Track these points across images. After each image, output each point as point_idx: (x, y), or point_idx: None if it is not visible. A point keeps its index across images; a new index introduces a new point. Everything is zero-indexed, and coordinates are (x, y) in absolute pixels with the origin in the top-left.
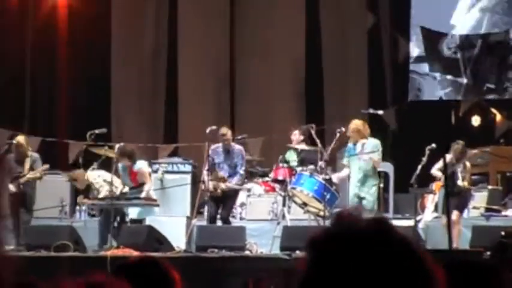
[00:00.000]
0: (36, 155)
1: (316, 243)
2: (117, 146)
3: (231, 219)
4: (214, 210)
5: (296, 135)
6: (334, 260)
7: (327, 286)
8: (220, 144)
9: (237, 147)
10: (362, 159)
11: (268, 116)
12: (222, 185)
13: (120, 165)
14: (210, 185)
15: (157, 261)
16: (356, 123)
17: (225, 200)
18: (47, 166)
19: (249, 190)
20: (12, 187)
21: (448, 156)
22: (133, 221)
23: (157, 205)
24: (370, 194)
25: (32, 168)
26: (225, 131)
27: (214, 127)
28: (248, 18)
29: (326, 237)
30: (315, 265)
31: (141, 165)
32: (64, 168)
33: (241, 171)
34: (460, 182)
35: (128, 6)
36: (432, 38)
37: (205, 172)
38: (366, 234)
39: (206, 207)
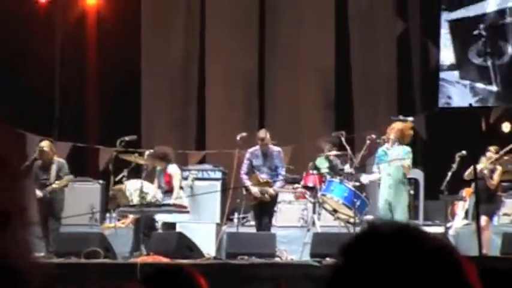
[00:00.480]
0: (62, 161)
1: (345, 248)
2: (147, 152)
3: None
4: (261, 216)
5: (327, 148)
6: (362, 263)
7: None
8: (257, 147)
9: (275, 149)
10: (393, 166)
11: (297, 125)
12: (270, 190)
13: (158, 168)
14: (256, 190)
15: (185, 269)
16: (399, 124)
17: (267, 206)
18: (71, 177)
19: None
20: (39, 193)
21: (479, 166)
22: (165, 224)
23: (188, 212)
24: (401, 200)
25: (58, 175)
26: (263, 133)
27: (244, 134)
28: (277, 29)
29: (355, 241)
30: (342, 269)
31: (173, 168)
32: (94, 175)
33: (283, 173)
34: (488, 183)
35: (158, 13)
36: (461, 37)
37: (244, 176)
38: (395, 237)
39: (236, 214)
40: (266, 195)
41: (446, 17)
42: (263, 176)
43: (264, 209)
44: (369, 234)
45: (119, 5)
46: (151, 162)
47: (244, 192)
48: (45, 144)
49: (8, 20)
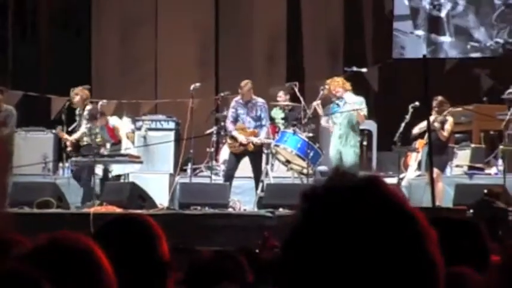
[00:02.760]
0: (10, 108)
1: (307, 196)
2: (100, 102)
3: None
4: (234, 167)
5: (282, 97)
6: (324, 212)
7: (315, 240)
8: (240, 97)
9: (260, 100)
10: (343, 115)
11: (249, 76)
12: (255, 139)
13: (98, 126)
14: (243, 137)
15: (140, 218)
16: (335, 78)
17: (253, 157)
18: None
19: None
20: None
21: (431, 118)
22: (116, 176)
23: (141, 162)
24: (352, 150)
25: (4, 123)
26: (243, 83)
27: (198, 84)
28: None
29: (318, 190)
30: (304, 218)
31: (115, 121)
32: (46, 125)
33: (267, 124)
34: (440, 134)
35: None
36: None
37: (230, 125)
38: (358, 188)
39: (189, 165)
40: (250, 145)
41: None
42: (247, 126)
43: (240, 160)
44: (332, 184)
45: None
46: (92, 124)
47: (229, 140)
48: None
49: None
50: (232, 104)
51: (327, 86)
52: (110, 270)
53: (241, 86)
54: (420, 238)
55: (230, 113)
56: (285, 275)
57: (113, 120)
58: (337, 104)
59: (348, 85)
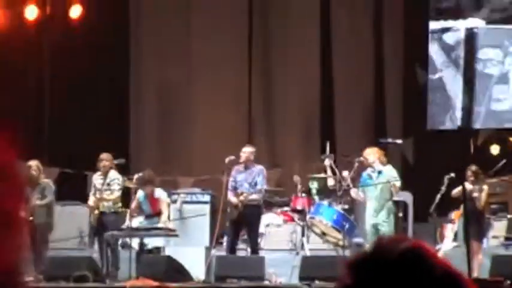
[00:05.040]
0: (47, 182)
1: (354, 267)
2: (135, 176)
3: (248, 249)
4: (234, 236)
5: (327, 163)
6: (373, 283)
7: None
8: (241, 164)
9: (259, 166)
10: (378, 189)
11: (284, 149)
12: (241, 197)
13: (141, 193)
14: (234, 199)
15: None
16: (371, 148)
17: (248, 225)
18: (50, 199)
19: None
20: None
21: (468, 185)
22: (151, 250)
23: (177, 235)
24: (387, 223)
25: (43, 194)
26: (246, 148)
27: (233, 157)
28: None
29: (364, 261)
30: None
31: (161, 192)
32: (83, 199)
33: (262, 188)
34: (477, 204)
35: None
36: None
37: (230, 193)
38: (405, 258)
39: (225, 237)
40: (239, 205)
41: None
42: (243, 190)
43: (239, 229)
44: (376, 255)
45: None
46: (139, 187)
47: (228, 210)
48: (33, 163)
49: None
50: (232, 172)
51: (362, 158)
52: None
53: (244, 150)
54: None
55: (230, 182)
56: None
57: (159, 192)
58: (370, 176)
59: (383, 157)
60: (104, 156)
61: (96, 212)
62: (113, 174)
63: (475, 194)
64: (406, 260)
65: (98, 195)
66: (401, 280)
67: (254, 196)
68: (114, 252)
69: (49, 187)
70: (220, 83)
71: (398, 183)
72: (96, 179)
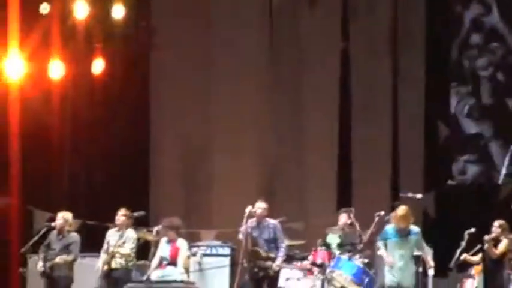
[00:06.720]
0: (76, 237)
1: None
2: (155, 228)
3: None
4: None
5: (344, 217)
6: None
7: None
8: (254, 218)
9: (271, 221)
10: (407, 248)
11: (303, 202)
12: (274, 266)
13: (164, 239)
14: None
15: None
16: (406, 209)
17: (268, 278)
18: (72, 257)
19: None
20: (40, 266)
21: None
22: None
23: None
24: (409, 278)
25: (68, 248)
26: (259, 203)
27: (253, 209)
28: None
29: None
30: None
31: (183, 242)
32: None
33: (284, 245)
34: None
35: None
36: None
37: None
38: None
39: None
40: (270, 271)
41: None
42: (262, 251)
43: (261, 284)
44: None
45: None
46: (164, 232)
47: (245, 265)
48: (66, 215)
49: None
50: (248, 223)
51: (382, 212)
52: None
53: (257, 207)
54: None
55: (243, 227)
56: None
57: (181, 242)
58: (396, 233)
59: (411, 218)
60: (122, 211)
61: (106, 267)
62: (130, 232)
63: (485, 246)
64: None
65: (110, 250)
66: None
67: (281, 260)
68: None
69: (75, 243)
70: (242, 135)
71: (423, 243)
72: (111, 235)
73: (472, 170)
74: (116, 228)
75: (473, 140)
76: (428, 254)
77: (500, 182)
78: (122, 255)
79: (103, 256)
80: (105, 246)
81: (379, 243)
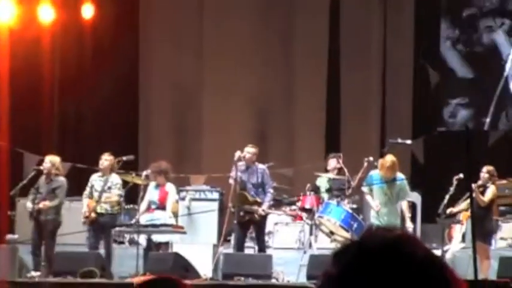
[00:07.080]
0: (62, 181)
1: (339, 255)
2: (144, 172)
3: (256, 247)
4: (242, 236)
5: (333, 162)
6: (357, 271)
7: None
8: (243, 162)
9: (260, 166)
10: (393, 193)
11: (293, 147)
12: (260, 211)
13: (153, 183)
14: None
15: (178, 281)
16: (393, 160)
17: (255, 223)
18: (57, 202)
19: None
20: (29, 206)
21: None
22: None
23: (185, 232)
24: (395, 221)
25: (54, 192)
26: (249, 148)
27: (241, 154)
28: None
29: (347, 251)
30: (333, 279)
31: (171, 186)
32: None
33: (271, 191)
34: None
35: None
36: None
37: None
38: (386, 251)
39: (233, 235)
40: (255, 215)
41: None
42: (250, 196)
43: (247, 229)
44: (361, 244)
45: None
46: (153, 176)
47: (232, 209)
48: (54, 159)
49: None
50: (235, 172)
51: (371, 158)
52: None
53: (247, 152)
54: (449, 285)
55: (232, 172)
56: None
57: (169, 186)
58: (380, 179)
59: (397, 165)
60: (106, 155)
61: (93, 215)
62: (115, 178)
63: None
64: (388, 247)
65: (97, 197)
66: (382, 266)
67: (268, 205)
68: (108, 250)
69: (62, 187)
70: (233, 81)
71: (406, 199)
72: (95, 179)
73: (462, 114)
74: (99, 173)
75: (463, 83)
76: (404, 205)
77: (485, 128)
78: (108, 202)
79: (86, 201)
80: (87, 190)
81: (365, 189)
